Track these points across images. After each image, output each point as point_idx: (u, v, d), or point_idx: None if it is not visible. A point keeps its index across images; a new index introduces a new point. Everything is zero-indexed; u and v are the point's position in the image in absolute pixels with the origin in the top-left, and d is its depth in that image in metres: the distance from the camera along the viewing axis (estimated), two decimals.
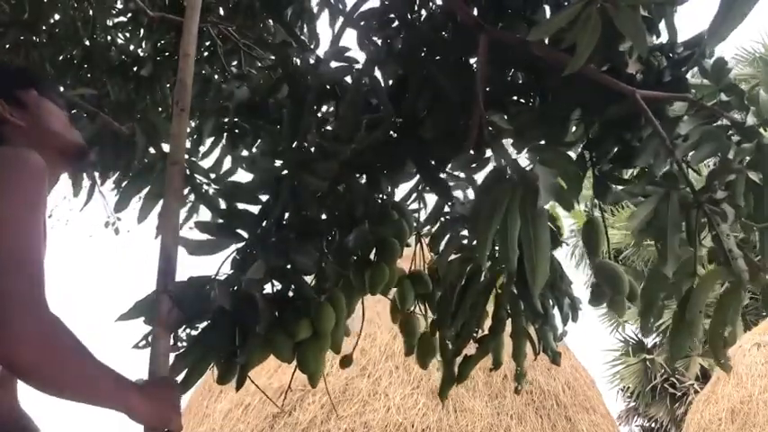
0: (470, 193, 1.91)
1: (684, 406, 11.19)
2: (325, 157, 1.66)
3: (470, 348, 1.87)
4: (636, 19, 1.28)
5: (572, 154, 1.74)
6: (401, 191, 1.94)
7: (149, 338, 1.37)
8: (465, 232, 1.83)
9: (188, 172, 2.03)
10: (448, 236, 1.82)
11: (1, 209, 1.07)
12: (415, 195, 1.96)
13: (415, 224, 1.90)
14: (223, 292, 1.38)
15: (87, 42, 2.83)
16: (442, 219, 1.90)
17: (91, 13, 2.94)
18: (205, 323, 1.45)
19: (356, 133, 1.73)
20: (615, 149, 1.74)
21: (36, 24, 2.57)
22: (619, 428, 6.64)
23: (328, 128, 1.93)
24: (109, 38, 3.09)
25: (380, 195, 1.82)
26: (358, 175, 1.76)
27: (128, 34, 3.15)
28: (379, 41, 1.87)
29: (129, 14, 3.08)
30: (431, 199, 1.97)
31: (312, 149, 1.71)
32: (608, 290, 1.64)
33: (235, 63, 2.99)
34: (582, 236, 1.72)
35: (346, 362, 1.97)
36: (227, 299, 1.37)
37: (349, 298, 1.70)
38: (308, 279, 1.64)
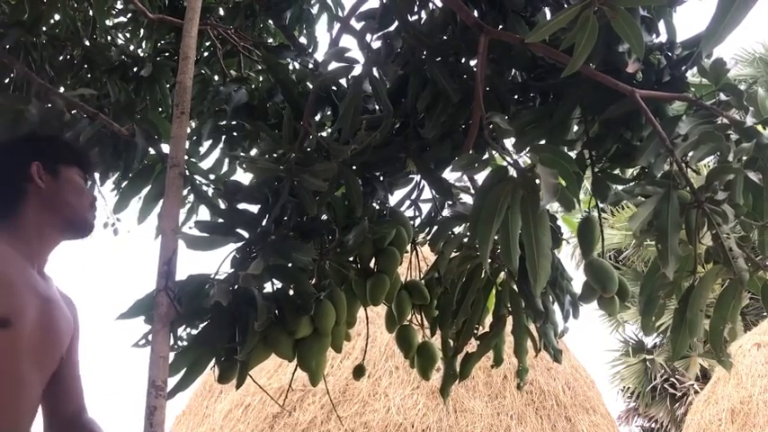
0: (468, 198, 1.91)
1: (684, 406, 11.19)
2: (325, 157, 1.66)
3: (471, 346, 1.87)
4: (633, 22, 1.28)
5: (571, 153, 1.74)
6: (395, 198, 1.93)
7: (149, 337, 1.37)
8: (464, 230, 1.82)
9: (187, 173, 2.03)
10: (448, 235, 1.82)
11: None
12: (409, 203, 1.95)
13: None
14: (222, 290, 1.38)
15: (87, 43, 2.82)
16: (441, 217, 1.90)
17: (91, 13, 2.94)
18: (205, 322, 1.45)
19: (356, 133, 1.73)
20: (615, 148, 1.73)
21: (36, 25, 2.56)
22: (619, 429, 6.64)
23: (327, 131, 1.93)
24: (109, 38, 3.09)
25: (378, 200, 1.81)
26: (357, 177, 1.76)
27: (128, 35, 3.16)
28: (379, 42, 1.87)
29: (129, 15, 3.08)
30: (425, 207, 1.98)
31: (312, 150, 1.71)
32: (597, 287, 1.63)
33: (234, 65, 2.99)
34: (577, 233, 1.70)
35: (360, 372, 1.96)
36: (226, 296, 1.37)
37: (350, 307, 1.70)
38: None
